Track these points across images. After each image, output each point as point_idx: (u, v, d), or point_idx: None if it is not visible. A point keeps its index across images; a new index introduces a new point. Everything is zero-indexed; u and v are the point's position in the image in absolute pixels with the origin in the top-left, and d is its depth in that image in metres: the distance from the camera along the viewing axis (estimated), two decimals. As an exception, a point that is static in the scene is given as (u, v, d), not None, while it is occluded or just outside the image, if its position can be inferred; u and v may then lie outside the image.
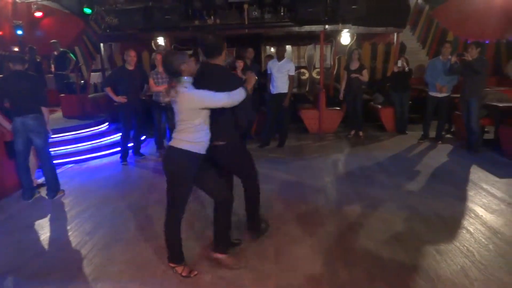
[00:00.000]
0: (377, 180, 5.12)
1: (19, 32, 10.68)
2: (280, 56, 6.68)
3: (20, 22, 10.75)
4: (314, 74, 10.57)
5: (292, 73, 6.68)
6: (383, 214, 4.02)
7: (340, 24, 7.88)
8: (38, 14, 10.70)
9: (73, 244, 3.57)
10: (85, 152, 6.59)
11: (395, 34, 8.71)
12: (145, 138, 7.57)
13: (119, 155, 6.35)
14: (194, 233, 3.64)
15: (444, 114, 6.86)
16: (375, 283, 2.83)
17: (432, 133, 7.06)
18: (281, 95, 6.67)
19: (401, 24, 8.45)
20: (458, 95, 6.45)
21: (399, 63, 7.39)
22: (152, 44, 9.10)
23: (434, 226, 3.70)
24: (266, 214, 3.96)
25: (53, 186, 4.81)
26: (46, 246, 3.56)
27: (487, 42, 9.61)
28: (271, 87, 6.78)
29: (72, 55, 9.56)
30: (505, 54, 9.50)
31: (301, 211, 4.17)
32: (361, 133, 7.67)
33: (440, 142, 6.90)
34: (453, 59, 6.21)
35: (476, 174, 5.22)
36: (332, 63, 9.92)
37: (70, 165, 6.25)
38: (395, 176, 5.23)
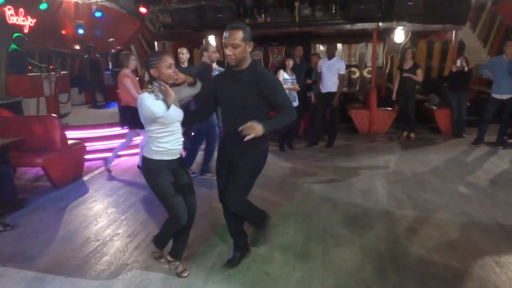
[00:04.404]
0: (431, 184, 4.89)
1: (80, 31, 11.31)
2: (330, 54, 6.59)
3: (81, 21, 11.38)
4: (365, 73, 10.31)
5: (343, 72, 6.57)
6: (437, 220, 3.84)
7: (394, 21, 7.60)
8: (98, 14, 11.27)
9: (127, 233, 3.73)
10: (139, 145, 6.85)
11: (454, 32, 8.27)
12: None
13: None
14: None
15: (507, 117, 6.43)
16: (427, 291, 2.72)
17: (491, 138, 6.64)
18: (330, 94, 6.58)
19: (461, 21, 8.00)
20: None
21: (459, 63, 7.02)
22: (204, 42, 9.29)
23: (493, 236, 3.48)
24: (313, 215, 3.93)
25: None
26: (102, 233, 3.74)
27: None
28: (320, 86, 6.71)
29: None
30: None
31: (350, 213, 4.08)
32: (412, 135, 7.38)
33: (501, 147, 6.47)
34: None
35: (542, 182, 4.85)
36: (384, 62, 9.62)
37: (125, 158, 6.54)
38: (451, 181, 4.97)
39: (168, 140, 2.66)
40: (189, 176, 2.95)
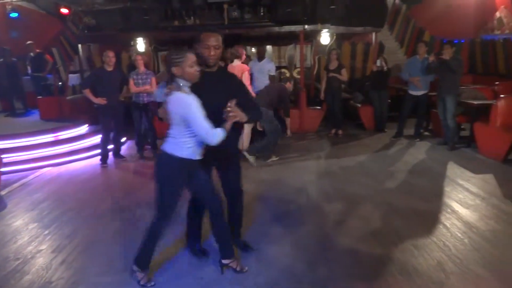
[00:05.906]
0: (356, 178, 5.19)
1: (-7, 33, 10.40)
2: (260, 56, 6.71)
3: (-6, 23, 10.47)
4: (295, 74, 10.63)
5: (273, 73, 6.73)
6: (361, 211, 4.09)
7: (319, 24, 7.93)
8: (14, 14, 10.44)
9: (51, 249, 3.50)
10: (63, 155, 6.47)
11: (374, 34, 8.83)
12: (125, 140, 7.47)
13: (99, 157, 6.26)
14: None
15: (422, 112, 7.00)
16: (353, 278, 2.87)
17: (409, 131, 7.20)
18: (261, 95, 6.69)
19: (379, 24, 8.58)
20: (435, 93, 6.59)
21: (378, 63, 7.50)
22: (132, 44, 9.00)
23: (411, 222, 3.78)
24: (246, 214, 3.97)
25: None
26: (22, 251, 3.48)
27: (462, 41, 9.85)
28: (252, 88, 6.80)
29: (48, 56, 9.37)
30: (479, 53, 9.76)
31: (282, 210, 4.20)
32: (340, 132, 7.75)
33: (418, 139, 7.03)
34: (431, 58, 6.34)
35: (453, 170, 5.35)
36: (312, 63, 9.99)
37: (48, 168, 6.13)
38: (374, 174, 5.31)
39: (198, 142, 2.64)
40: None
